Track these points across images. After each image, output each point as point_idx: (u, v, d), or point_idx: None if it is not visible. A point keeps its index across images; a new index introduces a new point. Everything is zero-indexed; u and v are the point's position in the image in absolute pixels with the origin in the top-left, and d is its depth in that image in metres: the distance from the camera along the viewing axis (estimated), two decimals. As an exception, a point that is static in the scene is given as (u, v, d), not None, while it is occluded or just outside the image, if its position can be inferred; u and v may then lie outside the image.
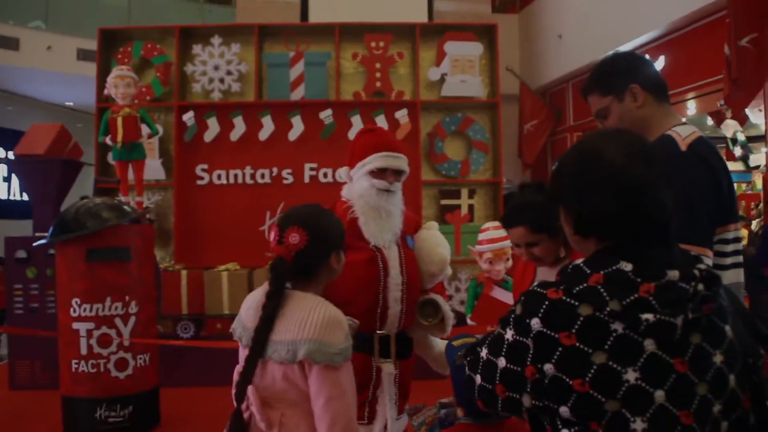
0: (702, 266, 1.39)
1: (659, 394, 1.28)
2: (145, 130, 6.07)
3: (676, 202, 1.50)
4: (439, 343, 3.18)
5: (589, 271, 1.35)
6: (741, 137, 9.52)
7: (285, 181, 7.24)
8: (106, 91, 6.34)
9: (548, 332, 1.32)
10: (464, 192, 7.43)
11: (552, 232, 2.48)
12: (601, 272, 1.34)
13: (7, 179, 12.46)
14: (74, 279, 4.28)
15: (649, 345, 1.29)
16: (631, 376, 1.28)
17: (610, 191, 1.39)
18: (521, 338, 1.35)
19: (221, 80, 7.20)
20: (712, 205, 2.08)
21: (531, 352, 1.33)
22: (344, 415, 1.96)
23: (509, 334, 1.37)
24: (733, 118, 7.97)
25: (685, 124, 2.30)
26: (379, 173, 2.89)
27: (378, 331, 2.91)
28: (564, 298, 1.34)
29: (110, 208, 4.41)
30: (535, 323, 1.33)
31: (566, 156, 1.52)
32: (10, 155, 11.94)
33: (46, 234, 5.55)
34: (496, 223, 5.23)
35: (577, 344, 1.29)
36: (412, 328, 3.07)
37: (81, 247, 4.26)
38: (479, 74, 7.48)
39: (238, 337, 2.14)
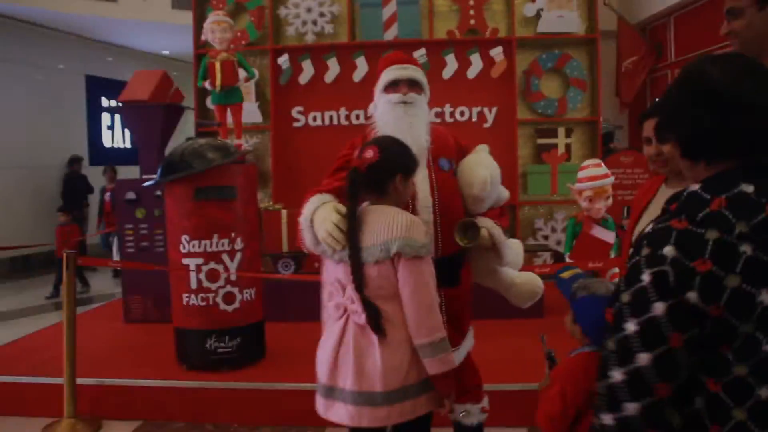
0: None
1: None
2: (242, 73, 6.18)
3: None
4: (510, 273, 3.10)
5: (708, 197, 1.33)
6: None
7: (379, 122, 7.23)
8: (203, 37, 6.47)
9: (684, 261, 1.28)
10: (561, 131, 7.29)
11: None
12: (723, 196, 1.31)
13: (111, 127, 12.95)
14: (183, 217, 4.44)
15: None
16: (765, 297, 1.25)
17: (713, 107, 1.37)
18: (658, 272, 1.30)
19: (314, 22, 7.23)
20: None
21: (672, 282, 1.29)
22: (428, 298, 2.35)
23: (646, 276, 1.31)
24: None
25: None
26: (391, 88, 2.90)
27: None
28: (689, 227, 1.31)
29: (215, 148, 4.52)
30: (669, 251, 1.30)
31: (675, 80, 1.50)
32: (113, 103, 12.43)
33: (152, 176, 5.81)
34: (597, 161, 5.14)
35: (713, 269, 1.26)
36: (473, 257, 2.99)
37: (189, 187, 4.40)
38: (576, 9, 7.25)
39: (322, 251, 2.55)
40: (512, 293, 3.10)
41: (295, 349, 4.83)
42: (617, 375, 1.31)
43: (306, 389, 4.13)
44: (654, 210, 2.56)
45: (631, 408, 1.28)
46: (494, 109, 7.13)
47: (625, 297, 1.34)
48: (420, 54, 7.10)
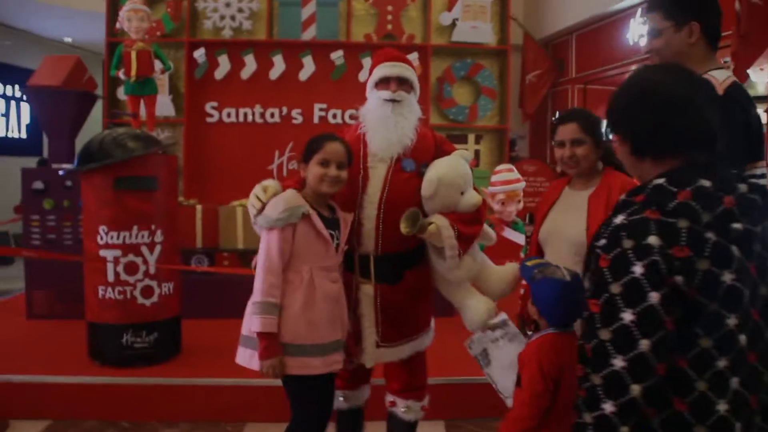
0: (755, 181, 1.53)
1: (746, 294, 1.41)
2: (158, 65, 6.05)
3: None
4: (462, 293, 2.99)
5: (675, 189, 1.46)
6: (741, 93, 9.60)
7: (294, 121, 7.27)
8: (117, 25, 6.29)
9: (666, 249, 1.41)
10: (471, 137, 7.53)
11: (596, 141, 2.72)
12: (687, 189, 1.45)
13: (5, 115, 12.30)
14: (101, 207, 4.33)
15: (735, 251, 1.41)
16: (727, 277, 1.40)
17: (659, 106, 1.56)
18: (650, 262, 1.41)
19: (232, 17, 7.16)
20: (743, 146, 2.18)
21: (663, 270, 1.40)
22: (265, 264, 2.66)
23: (638, 268, 1.41)
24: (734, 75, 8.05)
25: (721, 68, 2.44)
26: (382, 84, 2.94)
27: (358, 251, 2.92)
28: (662, 217, 1.44)
29: (135, 137, 4.44)
30: (654, 241, 1.42)
31: (620, 86, 1.68)
32: (8, 90, 11.81)
33: (61, 165, 5.61)
34: (509, 166, 5.35)
35: (689, 255, 1.39)
36: (431, 260, 2.98)
37: (108, 176, 4.29)
38: (490, 21, 7.50)
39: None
40: (463, 313, 2.97)
41: (210, 345, 4.80)
42: (618, 362, 1.40)
43: (223, 384, 4.15)
44: (560, 208, 2.83)
45: (635, 390, 1.39)
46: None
47: (616, 288, 1.43)
48: (337, 56, 7.18)
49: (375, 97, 2.96)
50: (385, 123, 2.88)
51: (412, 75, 2.98)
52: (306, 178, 2.77)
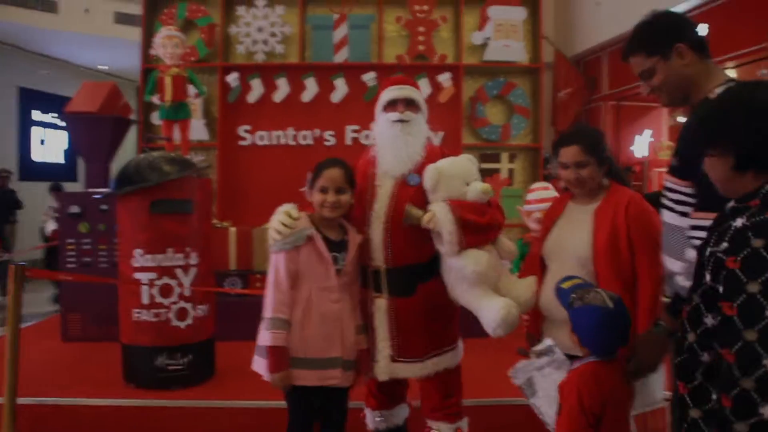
0: None
1: None
2: (192, 90, 6.12)
3: None
4: (476, 294, 2.84)
5: None
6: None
7: (327, 143, 7.29)
8: (152, 51, 6.38)
9: None
10: (504, 156, 7.47)
11: (600, 159, 2.75)
12: None
13: (43, 142, 12.56)
14: (137, 230, 4.35)
15: None
16: None
17: (766, 121, 1.61)
18: None
19: (265, 42, 7.23)
20: None
21: None
22: (272, 283, 2.86)
23: None
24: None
25: (729, 82, 2.32)
26: (390, 107, 3.04)
27: (371, 266, 2.98)
28: None
29: (171, 161, 4.46)
30: None
31: (714, 102, 1.76)
32: (46, 117, 12.06)
33: (98, 190, 5.67)
34: (545, 184, 5.28)
35: None
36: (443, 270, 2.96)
37: (144, 199, 4.32)
38: (522, 39, 7.47)
39: None
40: (480, 316, 2.85)
41: (244, 367, 4.71)
42: None
43: (256, 407, 4.11)
44: (565, 223, 2.85)
45: None
46: (441, 134, 7.22)
47: (754, 287, 1.45)
48: (370, 77, 7.19)
49: (384, 119, 3.07)
50: (395, 142, 2.99)
51: (418, 96, 3.10)
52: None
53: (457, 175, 2.88)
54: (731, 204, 1.66)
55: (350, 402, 3.12)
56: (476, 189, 2.86)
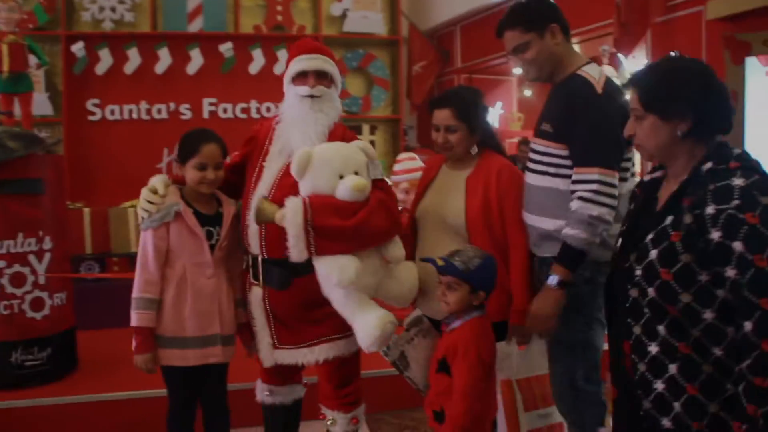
0: None
1: None
2: (32, 60, 5.66)
3: (598, 135, 2.39)
4: (342, 302, 2.62)
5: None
6: (616, 83, 10.04)
7: (183, 117, 7.06)
8: (-17, 17, 5.83)
9: None
10: (365, 128, 7.54)
11: (472, 127, 2.75)
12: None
13: None
14: (-19, 214, 3.98)
15: None
16: None
17: (719, 91, 1.76)
18: None
19: (113, 9, 6.85)
20: (621, 136, 2.26)
21: None
22: (139, 262, 2.75)
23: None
24: (609, 63, 8.41)
25: (590, 63, 2.60)
26: (299, 79, 2.78)
27: (249, 251, 2.80)
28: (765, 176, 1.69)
29: (15, 136, 4.09)
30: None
31: (661, 69, 1.86)
32: None
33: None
34: (411, 155, 5.36)
35: None
36: None
37: (-13, 180, 3.96)
38: (380, 11, 7.51)
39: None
40: (355, 330, 2.60)
41: (109, 357, 4.51)
42: None
43: (125, 398, 3.90)
44: (438, 187, 2.88)
45: None
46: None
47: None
48: (226, 48, 6.99)
49: (293, 94, 2.78)
50: (304, 120, 2.72)
51: (332, 68, 2.81)
52: (185, 178, 2.80)
53: (331, 165, 2.54)
54: (708, 166, 1.71)
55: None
56: (346, 186, 2.50)
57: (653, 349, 1.76)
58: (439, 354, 2.44)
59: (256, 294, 2.81)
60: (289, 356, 2.81)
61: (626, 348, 1.84)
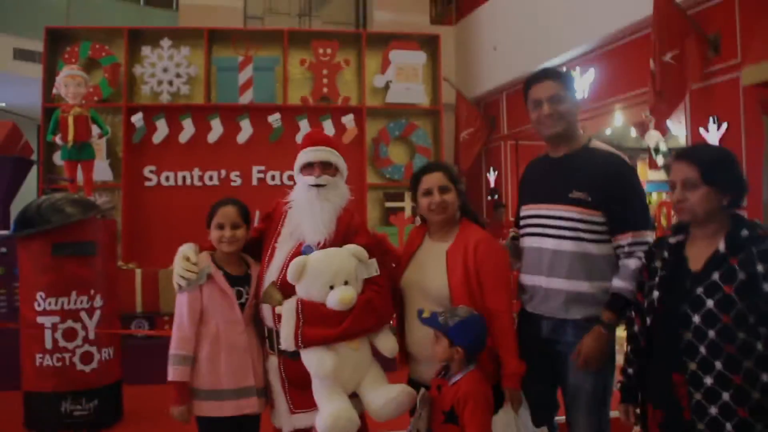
0: None
1: None
2: (95, 130, 6.07)
3: (643, 202, 2.80)
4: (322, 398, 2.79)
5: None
6: (663, 147, 10.07)
7: (233, 183, 7.37)
8: (54, 91, 6.32)
9: None
10: (407, 195, 7.68)
11: (459, 190, 2.94)
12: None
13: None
14: (39, 273, 4.30)
15: None
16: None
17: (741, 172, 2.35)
18: None
19: (170, 82, 7.28)
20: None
21: None
22: (177, 315, 2.95)
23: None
24: (656, 128, 8.47)
25: (591, 139, 2.96)
26: (306, 169, 2.99)
27: (264, 322, 2.99)
28: None
29: (73, 202, 4.45)
30: None
31: (713, 151, 2.44)
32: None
33: (-2, 232, 5.54)
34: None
35: None
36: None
37: (46, 242, 4.29)
38: (422, 82, 7.79)
39: None
40: (318, 414, 2.78)
41: (153, 411, 4.73)
42: None
43: (166, 449, 4.10)
44: (421, 259, 3.00)
45: None
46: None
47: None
48: (275, 118, 7.34)
49: (301, 183, 3.02)
50: (311, 208, 2.92)
51: (336, 159, 3.01)
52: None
53: (323, 276, 2.75)
54: (744, 232, 2.21)
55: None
56: (334, 299, 2.73)
57: (708, 380, 2.17)
58: (446, 406, 2.64)
59: (273, 363, 2.98)
60: (306, 419, 2.91)
61: (677, 379, 2.24)
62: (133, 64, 7.30)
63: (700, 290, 2.21)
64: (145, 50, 7.28)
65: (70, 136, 5.68)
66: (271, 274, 2.94)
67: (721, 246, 2.23)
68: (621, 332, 2.80)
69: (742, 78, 5.80)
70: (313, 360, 2.72)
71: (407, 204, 7.69)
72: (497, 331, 2.76)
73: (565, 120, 2.85)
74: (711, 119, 6.15)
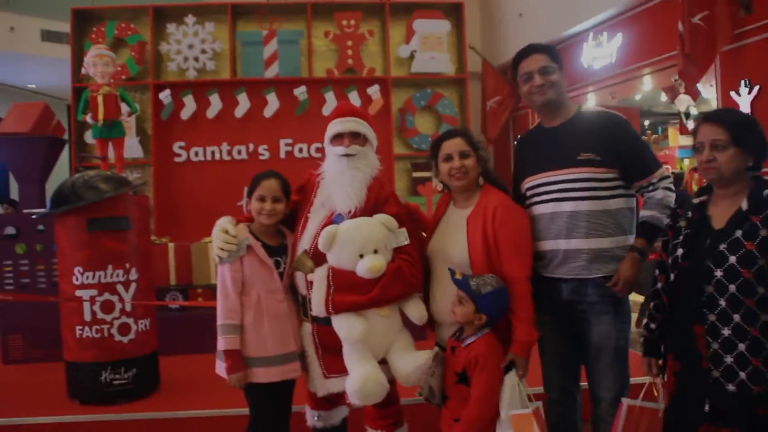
0: None
1: None
2: (124, 108, 6.16)
3: (648, 148, 3.00)
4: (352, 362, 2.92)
5: None
6: (694, 111, 9.94)
7: (261, 157, 7.43)
8: (83, 71, 6.41)
9: None
10: (435, 164, 7.68)
11: (480, 156, 2.99)
12: None
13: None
14: (76, 248, 4.42)
15: None
16: None
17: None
18: None
19: (196, 59, 7.33)
20: None
21: None
22: (220, 291, 3.07)
23: None
24: (686, 92, 8.35)
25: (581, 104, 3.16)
26: (336, 140, 3.08)
27: (299, 291, 3.11)
28: None
29: (106, 179, 4.54)
30: None
31: (743, 116, 2.59)
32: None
33: (33, 210, 5.68)
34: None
35: None
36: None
37: (81, 218, 4.40)
38: (447, 51, 7.75)
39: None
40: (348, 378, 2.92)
41: (189, 380, 4.89)
42: None
43: (203, 416, 4.23)
44: (444, 226, 3.06)
45: None
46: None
47: None
48: (300, 91, 7.37)
49: (331, 153, 3.11)
50: (342, 178, 3.01)
51: (365, 128, 3.09)
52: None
53: (353, 244, 2.84)
54: (767, 193, 2.32)
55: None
56: (364, 267, 2.82)
57: (726, 331, 2.29)
58: (458, 367, 2.74)
59: (306, 329, 3.11)
60: (339, 384, 3.02)
61: (698, 330, 2.37)
62: (159, 42, 7.36)
63: (723, 246, 2.31)
64: (170, 27, 7.33)
65: (100, 115, 5.79)
66: (304, 243, 3.04)
67: (744, 205, 2.34)
68: (636, 297, 2.88)
69: (775, 37, 5.69)
70: (344, 325, 2.83)
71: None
72: (511, 298, 2.81)
73: (555, 89, 2.97)
74: (743, 82, 6.06)
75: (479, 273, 2.79)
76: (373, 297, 2.85)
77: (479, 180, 3.01)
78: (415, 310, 2.96)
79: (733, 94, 6.17)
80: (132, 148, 7.09)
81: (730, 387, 2.29)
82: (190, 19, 7.35)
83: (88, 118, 5.95)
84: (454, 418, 2.75)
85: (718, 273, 2.31)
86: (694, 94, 7.80)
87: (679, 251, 2.48)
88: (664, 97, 9.97)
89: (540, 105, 3.03)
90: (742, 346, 2.27)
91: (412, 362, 2.89)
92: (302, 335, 3.13)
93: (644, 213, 2.90)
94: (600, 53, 8.12)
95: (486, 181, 3.03)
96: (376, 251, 2.85)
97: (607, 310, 2.91)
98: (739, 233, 2.30)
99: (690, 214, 2.51)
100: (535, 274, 2.95)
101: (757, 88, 5.93)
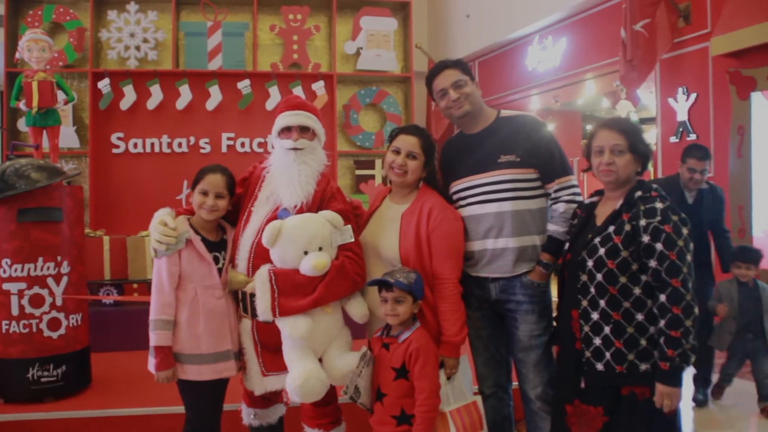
0: None
1: None
2: (60, 96, 5.96)
3: (562, 153, 3.05)
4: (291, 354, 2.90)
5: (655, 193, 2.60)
6: (634, 117, 10.16)
7: (202, 150, 7.32)
8: (17, 55, 6.20)
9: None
10: (378, 163, 7.68)
11: (428, 159, 3.00)
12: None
13: None
14: (5, 239, 4.24)
15: None
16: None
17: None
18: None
19: (137, 48, 7.17)
20: None
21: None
22: (155, 280, 2.98)
23: (685, 230, 2.48)
24: (627, 98, 8.52)
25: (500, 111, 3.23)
26: (284, 133, 3.04)
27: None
28: (669, 203, 2.56)
29: (39, 168, 4.38)
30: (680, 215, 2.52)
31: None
32: None
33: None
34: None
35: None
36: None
37: (11, 208, 4.22)
38: (393, 49, 7.75)
39: None
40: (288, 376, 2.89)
41: (121, 377, 4.75)
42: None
43: (136, 414, 4.11)
44: (377, 220, 3.09)
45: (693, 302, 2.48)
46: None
47: (681, 242, 2.47)
48: (244, 85, 7.27)
49: (279, 146, 3.06)
50: (289, 172, 2.97)
51: (314, 123, 3.06)
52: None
53: (298, 241, 2.80)
54: (638, 194, 2.56)
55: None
56: (308, 264, 2.78)
57: (595, 316, 2.58)
58: (396, 363, 2.76)
59: (246, 326, 3.03)
60: (278, 382, 3.00)
61: (574, 314, 2.65)
62: (99, 29, 7.16)
63: (597, 240, 2.60)
64: (111, 14, 7.14)
65: (35, 102, 5.58)
66: (247, 238, 2.97)
67: (619, 204, 2.61)
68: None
69: (711, 48, 5.83)
70: (288, 323, 2.79)
71: (378, 172, 7.68)
72: (441, 298, 2.87)
73: (470, 100, 3.04)
74: (680, 90, 6.20)
75: (408, 268, 2.85)
76: (318, 297, 2.82)
77: (419, 183, 3.04)
78: (357, 308, 2.96)
79: (671, 101, 6.31)
80: (68, 137, 6.91)
81: (599, 366, 2.57)
82: (132, 6, 7.17)
83: (22, 105, 5.74)
84: (392, 415, 2.75)
85: (590, 263, 2.59)
86: (635, 100, 7.98)
87: (567, 245, 2.81)
88: (606, 102, 10.14)
89: (458, 118, 3.10)
90: (607, 329, 2.55)
91: (345, 365, 2.88)
92: (241, 332, 3.07)
93: (549, 227, 2.99)
94: (545, 57, 8.22)
95: (424, 181, 3.05)
96: (321, 248, 2.82)
97: (533, 309, 3.00)
98: (611, 229, 2.57)
99: (581, 213, 2.80)
100: (463, 273, 3.01)
101: (694, 95, 6.07)
